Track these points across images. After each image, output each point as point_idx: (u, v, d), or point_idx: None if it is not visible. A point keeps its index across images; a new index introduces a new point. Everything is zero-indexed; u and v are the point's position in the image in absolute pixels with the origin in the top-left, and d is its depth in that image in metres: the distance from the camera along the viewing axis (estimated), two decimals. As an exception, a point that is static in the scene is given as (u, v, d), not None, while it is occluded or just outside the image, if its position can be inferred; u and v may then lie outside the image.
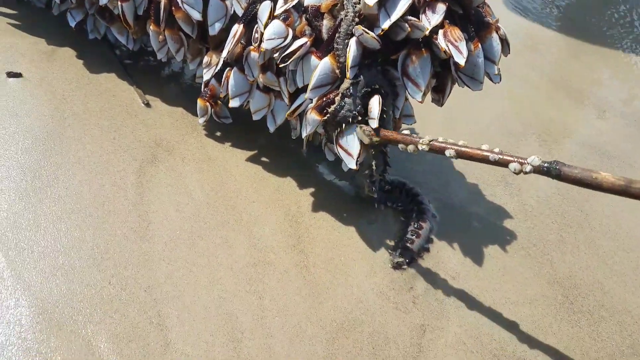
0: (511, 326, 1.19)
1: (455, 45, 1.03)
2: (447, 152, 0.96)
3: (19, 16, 1.73)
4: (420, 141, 1.00)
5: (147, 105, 1.48)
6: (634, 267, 1.39)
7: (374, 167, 1.22)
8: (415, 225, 1.34)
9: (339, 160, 1.44)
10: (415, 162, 1.58)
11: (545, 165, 0.85)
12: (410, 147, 1.01)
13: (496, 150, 0.92)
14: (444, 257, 1.31)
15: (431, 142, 0.99)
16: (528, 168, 0.85)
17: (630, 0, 2.93)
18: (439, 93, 1.22)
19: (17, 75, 1.45)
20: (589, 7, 2.86)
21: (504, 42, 1.15)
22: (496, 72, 1.14)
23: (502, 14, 2.63)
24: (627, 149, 1.88)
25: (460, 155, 0.96)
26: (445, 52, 1.04)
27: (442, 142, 0.99)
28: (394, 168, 1.49)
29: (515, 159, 0.89)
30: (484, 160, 0.92)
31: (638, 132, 1.98)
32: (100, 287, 1.05)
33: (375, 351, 1.08)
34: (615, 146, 1.88)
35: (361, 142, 1.14)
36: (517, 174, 0.87)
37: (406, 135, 1.06)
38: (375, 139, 1.07)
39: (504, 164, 0.89)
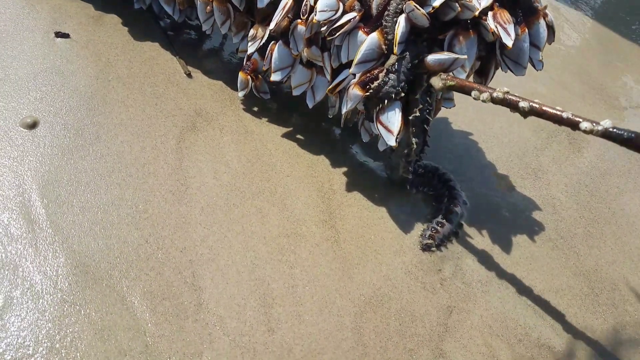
0: (537, 313, 1.19)
1: (503, 27, 1.03)
2: (521, 104, 0.93)
3: (66, -18, 1.77)
4: (497, 89, 0.98)
5: (189, 75, 1.51)
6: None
7: (413, 146, 1.21)
8: (446, 210, 1.34)
9: (372, 143, 1.45)
10: (449, 150, 1.57)
11: (617, 130, 0.83)
12: (485, 95, 0.99)
13: (569, 112, 0.90)
14: (473, 243, 1.32)
15: (506, 94, 0.97)
16: (599, 128, 0.84)
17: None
18: (482, 77, 1.21)
19: (65, 35, 1.49)
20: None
21: (550, 29, 1.15)
22: (540, 59, 1.13)
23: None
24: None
25: (533, 110, 0.93)
26: (493, 33, 1.03)
27: (516, 96, 0.96)
28: (428, 154, 1.49)
29: (588, 120, 0.87)
30: (556, 118, 0.90)
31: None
32: (137, 244, 1.08)
33: (402, 328, 1.09)
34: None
35: (402, 119, 1.14)
36: (587, 133, 0.86)
37: (481, 84, 1.03)
38: (450, 82, 1.05)
39: (575, 123, 0.87)
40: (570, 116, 0.88)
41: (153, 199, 1.15)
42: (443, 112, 1.70)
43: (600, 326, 1.20)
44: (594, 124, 0.85)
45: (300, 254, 1.16)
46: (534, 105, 0.92)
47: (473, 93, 1.01)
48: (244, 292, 1.06)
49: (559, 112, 0.89)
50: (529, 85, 2.01)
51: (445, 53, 1.05)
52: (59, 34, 1.48)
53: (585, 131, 0.85)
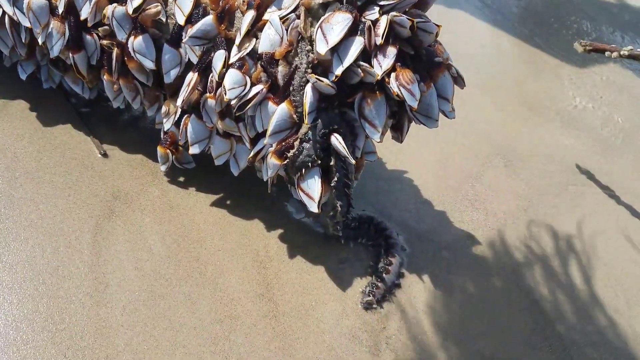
0: (484, 357, 1.18)
1: (407, 89, 1.03)
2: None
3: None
4: (623, 49, 1.22)
5: (104, 155, 1.44)
6: (602, 285, 1.40)
7: (338, 209, 1.20)
8: (385, 261, 1.33)
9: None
10: (382, 193, 1.56)
11: None
12: (614, 54, 1.25)
13: None
14: (416, 292, 1.30)
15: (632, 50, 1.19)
16: None
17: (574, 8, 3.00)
18: (397, 131, 1.21)
19: (-36, 133, 1.40)
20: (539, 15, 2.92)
21: (458, 78, 1.15)
22: (450, 109, 1.14)
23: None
24: (597, 162, 1.90)
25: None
26: (397, 95, 1.03)
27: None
28: (361, 200, 1.48)
29: None
30: None
31: (607, 146, 2.01)
32: (57, 360, 1.00)
33: (349, 403, 1.05)
34: (584, 160, 1.90)
35: (322, 184, 1.12)
36: None
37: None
38: (588, 47, 1.28)
39: None
40: None
41: (69, 307, 1.08)
42: (376, 159, 1.69)
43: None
44: None
45: (236, 339, 1.11)
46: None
47: (606, 53, 1.25)
48: (176, 396, 0.99)
49: None
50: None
51: (344, 149, 1.07)
52: (-44, 132, 1.39)
53: None
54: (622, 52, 1.16)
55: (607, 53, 1.24)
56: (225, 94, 1.09)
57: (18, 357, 0.99)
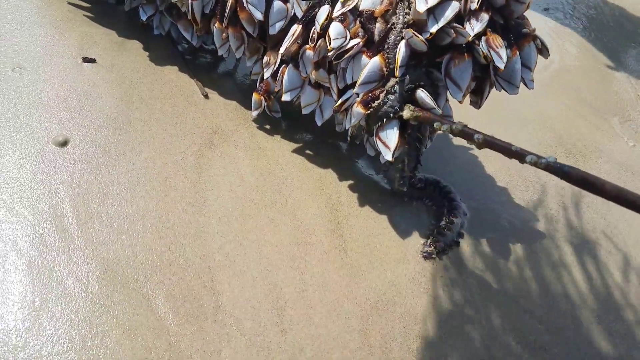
0: (533, 319, 1.25)
1: (496, 51, 1.12)
2: (476, 136, 1.07)
3: (94, 9, 1.91)
4: (457, 122, 1.11)
5: (206, 96, 1.62)
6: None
7: (405, 162, 1.31)
8: (447, 220, 1.42)
9: (377, 157, 1.54)
10: (449, 163, 1.66)
11: (558, 164, 0.97)
12: (445, 127, 1.13)
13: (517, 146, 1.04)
14: (473, 252, 1.39)
15: (464, 127, 1.11)
16: (543, 161, 0.98)
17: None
18: (478, 95, 1.30)
19: (92, 60, 1.61)
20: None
21: (543, 48, 1.24)
22: (531, 78, 1.22)
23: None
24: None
25: (486, 142, 1.06)
26: (486, 57, 1.13)
27: (471, 129, 1.10)
28: (430, 167, 1.58)
29: (533, 153, 1.01)
30: (506, 150, 1.04)
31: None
32: (161, 251, 1.17)
33: (406, 330, 1.17)
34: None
35: (399, 136, 1.23)
36: (531, 165, 0.99)
37: (442, 116, 1.18)
38: (416, 114, 1.18)
39: (521, 156, 1.01)
40: (518, 149, 1.02)
41: (174, 210, 1.25)
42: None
43: (601, 335, 1.26)
44: (539, 158, 0.98)
45: (310, 261, 1.25)
46: (487, 137, 1.06)
47: (436, 124, 1.16)
48: (259, 295, 1.14)
49: (508, 146, 1.03)
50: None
51: (431, 101, 1.17)
52: (86, 59, 1.60)
53: (530, 164, 0.99)
54: (453, 127, 1.09)
55: (436, 124, 1.14)
56: (330, 43, 1.23)
57: (130, 244, 1.17)
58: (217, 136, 1.49)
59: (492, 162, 1.71)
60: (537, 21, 2.84)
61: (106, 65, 1.64)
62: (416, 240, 1.39)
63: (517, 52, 1.19)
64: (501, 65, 1.12)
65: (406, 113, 1.22)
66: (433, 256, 1.35)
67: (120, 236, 1.18)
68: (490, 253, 1.40)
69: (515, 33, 1.20)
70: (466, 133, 1.10)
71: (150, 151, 1.38)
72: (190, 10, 1.50)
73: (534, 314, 1.27)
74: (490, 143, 1.06)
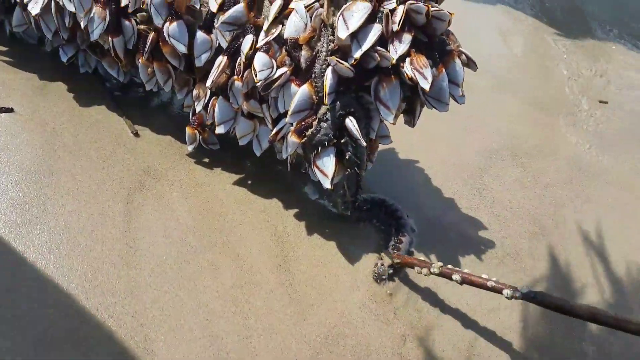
0: (488, 333, 1.24)
1: (420, 72, 1.10)
2: (454, 276, 1.17)
3: (11, 53, 1.79)
4: (433, 266, 1.22)
5: (136, 134, 1.54)
6: (603, 269, 1.45)
7: (346, 188, 1.28)
8: (396, 239, 1.40)
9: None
10: (395, 179, 1.64)
11: (532, 294, 1.08)
12: (424, 271, 1.23)
13: (493, 279, 1.15)
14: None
15: (442, 268, 1.20)
16: (518, 294, 1.09)
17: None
18: (410, 115, 1.29)
19: (9, 110, 1.51)
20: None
21: (469, 62, 1.23)
22: (460, 94, 1.21)
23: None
24: (598, 159, 1.95)
25: (464, 280, 1.16)
26: (411, 79, 1.11)
27: (449, 268, 1.20)
28: (375, 185, 1.56)
29: (508, 287, 1.11)
30: (483, 285, 1.14)
31: (609, 144, 2.06)
32: (89, 315, 1.09)
33: (359, 364, 1.12)
34: (589, 158, 1.95)
35: (336, 163, 1.20)
36: (508, 298, 1.10)
37: (422, 260, 1.28)
38: (396, 260, 1.31)
39: (498, 290, 1.12)
40: (494, 284, 1.12)
41: (102, 266, 1.17)
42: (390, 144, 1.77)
43: (549, 337, 1.25)
44: (514, 291, 1.09)
45: (255, 302, 1.19)
46: (464, 275, 1.17)
47: (416, 268, 1.26)
48: (197, 349, 1.07)
49: (484, 282, 1.14)
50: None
51: (357, 131, 1.15)
52: (3, 109, 1.50)
53: (507, 297, 1.10)
54: (432, 270, 1.18)
55: (416, 269, 1.23)
56: (256, 75, 1.18)
57: (55, 309, 1.08)
58: (149, 177, 1.42)
59: (436, 174, 1.70)
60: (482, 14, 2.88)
61: (25, 113, 1.53)
62: (366, 264, 1.35)
63: (443, 70, 1.18)
64: (426, 87, 1.10)
65: (386, 259, 1.33)
66: (384, 277, 1.32)
67: (44, 302, 1.09)
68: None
69: (440, 50, 1.19)
70: (445, 274, 1.20)
71: (74, 203, 1.30)
72: (112, 47, 1.43)
73: (487, 328, 1.25)
74: (468, 280, 1.16)
